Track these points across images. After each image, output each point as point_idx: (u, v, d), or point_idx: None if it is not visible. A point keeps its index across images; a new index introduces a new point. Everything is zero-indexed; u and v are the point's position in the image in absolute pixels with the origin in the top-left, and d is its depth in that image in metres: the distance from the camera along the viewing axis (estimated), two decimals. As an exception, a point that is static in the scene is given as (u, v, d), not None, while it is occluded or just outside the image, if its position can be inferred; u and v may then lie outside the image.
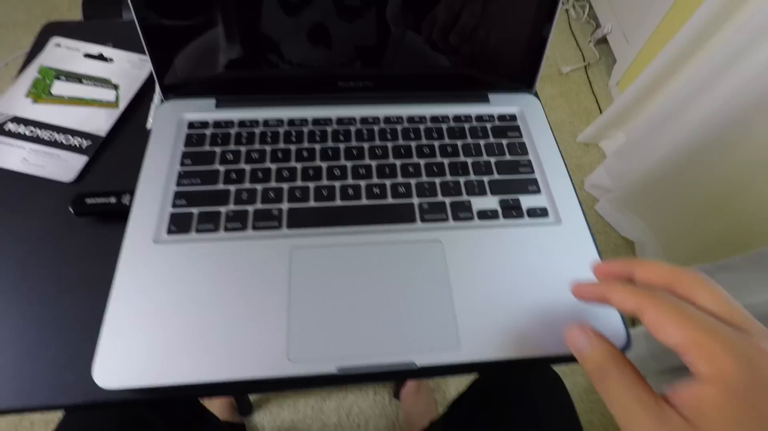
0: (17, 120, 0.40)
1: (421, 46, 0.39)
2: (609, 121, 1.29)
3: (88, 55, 0.45)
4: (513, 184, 0.37)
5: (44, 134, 0.40)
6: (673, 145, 1.03)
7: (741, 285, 0.87)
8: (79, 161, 0.38)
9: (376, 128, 0.39)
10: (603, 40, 1.59)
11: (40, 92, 0.42)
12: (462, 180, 0.37)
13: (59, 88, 0.43)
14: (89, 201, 0.35)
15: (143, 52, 0.37)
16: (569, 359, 0.32)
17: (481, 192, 0.36)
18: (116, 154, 0.40)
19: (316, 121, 0.39)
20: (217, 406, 0.85)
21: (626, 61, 1.42)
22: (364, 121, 0.40)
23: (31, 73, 0.43)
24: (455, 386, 0.98)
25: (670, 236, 1.15)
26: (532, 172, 0.38)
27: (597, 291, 0.25)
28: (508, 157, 0.38)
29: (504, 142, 0.39)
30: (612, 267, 0.26)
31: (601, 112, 1.44)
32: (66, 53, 0.45)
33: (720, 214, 1.02)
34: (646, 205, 1.17)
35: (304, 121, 0.39)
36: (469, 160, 0.38)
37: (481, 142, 0.39)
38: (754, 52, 0.86)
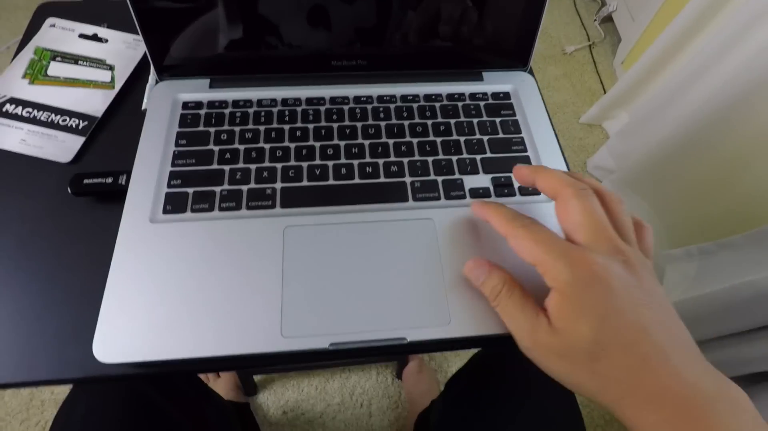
0: (14, 101, 0.41)
1: (416, 25, 0.39)
2: (612, 101, 1.28)
3: (83, 36, 0.45)
4: (505, 162, 0.37)
5: (41, 115, 0.40)
6: (677, 125, 1.02)
7: (743, 263, 0.87)
8: (76, 142, 0.39)
9: (369, 107, 0.39)
10: (608, 19, 1.56)
11: (37, 73, 0.42)
12: (454, 158, 0.37)
13: (55, 68, 0.43)
14: (87, 181, 0.35)
15: (138, 32, 0.37)
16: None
17: (473, 170, 0.36)
18: (112, 134, 0.40)
19: (310, 101, 0.39)
20: (222, 386, 0.87)
21: (631, 39, 1.39)
22: (357, 100, 0.40)
23: (27, 54, 0.43)
24: (457, 366, 0.99)
25: (673, 216, 1.15)
26: (525, 150, 0.38)
27: (482, 212, 0.30)
28: (501, 134, 0.38)
29: (497, 120, 0.39)
30: (523, 172, 0.30)
31: (605, 92, 1.42)
32: (61, 34, 0.45)
33: (723, 192, 1.01)
34: (649, 185, 1.17)
35: (297, 101, 0.39)
36: (462, 139, 0.38)
37: (474, 121, 0.39)
38: (758, 30, 0.85)
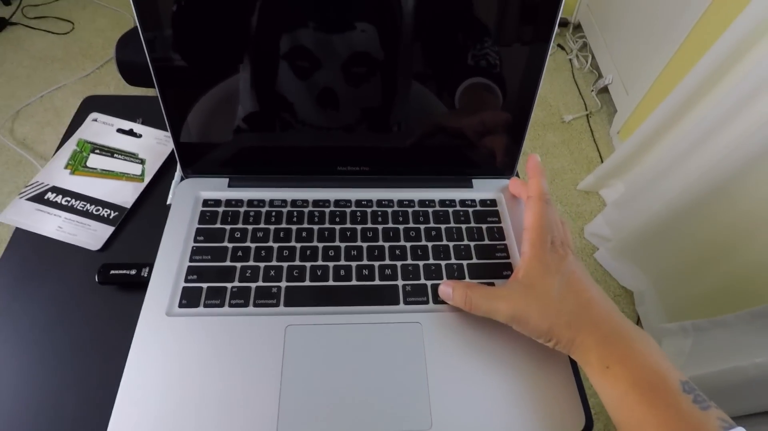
0: (56, 190, 0.46)
1: (414, 138, 0.44)
2: (608, 171, 1.33)
3: (121, 130, 0.51)
4: (489, 269, 0.41)
5: (78, 204, 0.45)
6: (672, 198, 1.05)
7: (733, 344, 0.88)
8: (106, 231, 0.44)
9: (369, 211, 0.44)
10: (605, 90, 1.65)
11: (77, 164, 0.48)
12: (443, 263, 0.41)
13: (94, 160, 0.48)
14: (113, 272, 0.40)
15: (167, 129, 0.42)
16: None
17: (460, 275, 0.40)
18: (138, 224, 0.45)
19: (316, 203, 0.44)
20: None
21: (626, 111, 1.47)
22: (358, 203, 0.44)
23: (71, 145, 0.49)
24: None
25: (669, 287, 1.16)
26: (508, 257, 0.42)
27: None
28: (486, 241, 0.43)
29: (483, 226, 0.43)
30: (519, 189, 0.44)
31: (602, 159, 1.48)
32: (102, 128, 0.51)
33: (718, 267, 1.03)
34: (644, 255, 1.19)
35: (305, 202, 0.44)
36: (451, 244, 0.42)
37: (463, 227, 0.43)
38: (754, 106, 0.87)
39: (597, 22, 1.76)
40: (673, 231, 1.09)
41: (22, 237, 0.43)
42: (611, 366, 0.31)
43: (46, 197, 0.45)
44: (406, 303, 0.38)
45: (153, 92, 0.40)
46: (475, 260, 0.41)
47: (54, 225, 0.44)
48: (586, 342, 0.32)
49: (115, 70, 1.18)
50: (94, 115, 0.52)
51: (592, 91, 1.66)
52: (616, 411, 0.31)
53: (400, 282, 0.39)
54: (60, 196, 0.45)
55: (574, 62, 1.77)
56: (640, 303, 1.21)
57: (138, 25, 0.36)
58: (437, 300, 0.39)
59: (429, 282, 0.40)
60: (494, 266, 0.41)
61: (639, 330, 0.33)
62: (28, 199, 0.45)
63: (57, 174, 0.47)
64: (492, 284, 0.40)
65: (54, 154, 0.48)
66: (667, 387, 0.29)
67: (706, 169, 0.96)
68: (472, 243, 0.42)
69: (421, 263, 0.41)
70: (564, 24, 1.88)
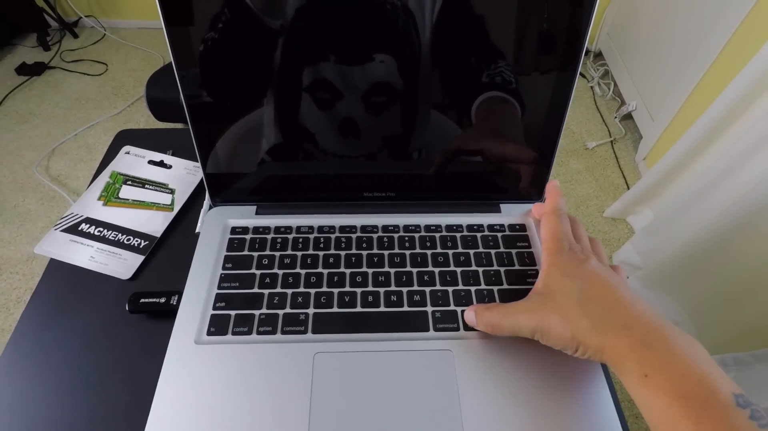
0: (89, 221, 0.47)
1: (440, 163, 0.44)
2: (636, 198, 1.30)
3: (152, 162, 0.53)
4: (520, 295, 0.39)
5: (110, 234, 0.46)
6: (705, 225, 1.01)
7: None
8: (136, 260, 0.44)
9: (396, 236, 0.43)
10: (628, 116, 1.63)
11: (110, 196, 0.49)
12: (473, 289, 0.40)
13: (126, 191, 0.50)
14: (143, 300, 0.40)
15: (196, 160, 0.43)
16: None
17: (491, 301, 0.39)
18: (168, 253, 0.45)
19: (343, 228, 0.44)
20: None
21: (652, 137, 1.45)
22: (385, 229, 0.44)
23: (104, 177, 0.51)
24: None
25: (706, 318, 1.11)
26: (540, 283, 0.40)
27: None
28: (516, 266, 0.41)
29: (513, 251, 0.42)
30: (538, 211, 0.42)
31: (628, 187, 1.45)
32: (134, 160, 0.53)
33: (760, 297, 0.98)
34: (678, 284, 1.14)
35: (332, 228, 0.44)
36: (481, 270, 0.41)
37: (492, 252, 0.42)
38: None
39: (618, 49, 1.77)
40: (710, 258, 1.05)
41: (56, 268, 0.44)
42: (651, 374, 0.27)
43: (79, 228, 0.46)
44: (436, 329, 0.37)
45: (180, 127, 0.41)
46: (505, 286, 0.40)
47: (86, 255, 0.45)
48: (618, 347, 0.29)
49: (144, 107, 1.23)
50: (126, 148, 0.54)
51: (616, 117, 1.65)
52: (657, 426, 0.27)
53: (429, 309, 0.38)
54: (93, 227, 0.46)
55: (595, 89, 1.77)
56: (677, 335, 1.15)
57: (174, 64, 0.37)
58: (468, 326, 0.37)
59: (459, 309, 0.38)
60: (526, 292, 0.39)
61: (683, 333, 0.29)
62: (63, 230, 0.46)
63: (90, 205, 0.48)
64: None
65: (88, 187, 0.50)
66: (718, 400, 0.26)
67: (741, 195, 0.93)
68: (502, 269, 0.41)
69: (450, 289, 0.40)
70: (585, 52, 1.89)
